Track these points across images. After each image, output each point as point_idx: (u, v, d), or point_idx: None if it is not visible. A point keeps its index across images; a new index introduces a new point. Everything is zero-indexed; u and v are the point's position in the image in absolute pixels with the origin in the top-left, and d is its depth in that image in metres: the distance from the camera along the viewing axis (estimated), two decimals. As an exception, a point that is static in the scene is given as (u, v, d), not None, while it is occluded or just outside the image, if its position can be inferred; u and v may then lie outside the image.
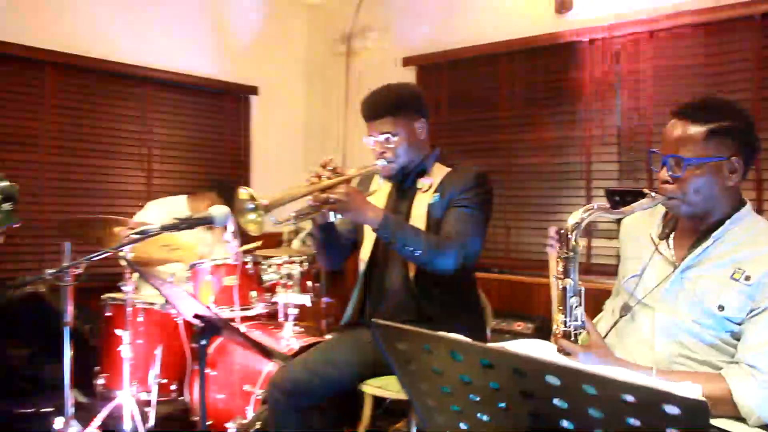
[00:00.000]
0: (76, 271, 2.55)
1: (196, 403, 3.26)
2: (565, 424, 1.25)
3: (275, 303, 3.43)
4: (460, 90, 4.79)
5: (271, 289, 3.44)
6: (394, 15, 5.08)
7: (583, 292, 1.83)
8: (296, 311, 3.36)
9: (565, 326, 1.82)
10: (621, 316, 1.98)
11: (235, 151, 5.38)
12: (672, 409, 1.05)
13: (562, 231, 1.80)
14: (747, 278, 1.73)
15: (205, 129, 5.21)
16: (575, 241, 1.79)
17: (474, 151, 4.68)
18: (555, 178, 4.23)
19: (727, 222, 1.82)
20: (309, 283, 3.49)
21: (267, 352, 2.11)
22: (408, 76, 4.92)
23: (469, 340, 1.27)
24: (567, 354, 1.79)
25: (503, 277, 4.29)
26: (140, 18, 4.74)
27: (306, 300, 3.34)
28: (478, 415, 1.40)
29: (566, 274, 1.82)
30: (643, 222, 2.07)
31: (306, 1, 5.65)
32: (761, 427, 1.69)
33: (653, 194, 1.85)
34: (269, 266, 3.44)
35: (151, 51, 4.78)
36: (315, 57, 5.66)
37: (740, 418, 1.69)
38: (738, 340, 1.75)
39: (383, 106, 2.54)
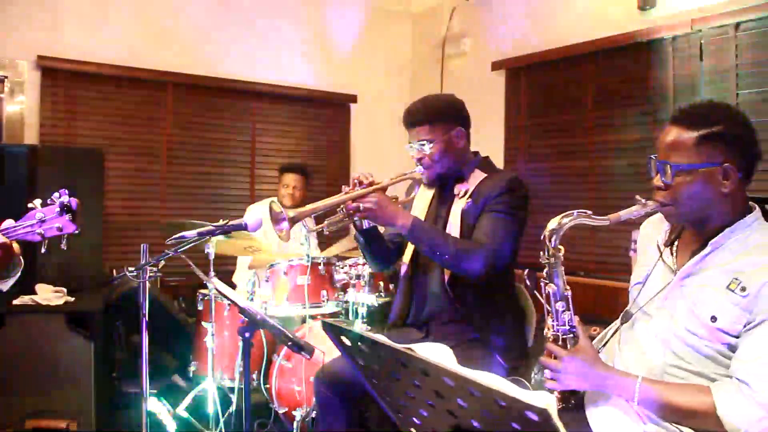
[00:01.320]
0: (153, 269, 2.85)
1: (274, 391, 3.52)
2: (475, 423, 1.34)
3: (346, 302, 3.63)
4: (545, 92, 4.77)
5: (343, 289, 3.64)
6: (485, 20, 5.14)
7: (569, 296, 1.87)
8: (365, 310, 3.55)
9: (554, 330, 1.87)
10: (622, 323, 1.99)
11: (335, 157, 5.67)
12: (532, 415, 1.12)
13: (542, 237, 1.84)
14: (743, 289, 1.66)
15: (306, 137, 5.55)
16: (554, 246, 1.83)
17: (558, 153, 4.66)
18: (640, 180, 4.11)
19: (727, 230, 1.76)
20: (380, 284, 3.65)
21: (298, 346, 2.29)
22: (497, 80, 4.96)
23: (384, 339, 1.38)
24: (555, 358, 1.83)
25: (588, 281, 4.23)
26: (247, 37, 5.19)
27: (373, 300, 3.51)
28: (420, 410, 1.51)
29: (550, 279, 1.87)
30: (655, 229, 2.05)
31: (407, 9, 5.82)
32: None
33: (644, 201, 1.84)
34: (341, 267, 3.65)
35: (257, 67, 5.23)
36: (411, 64, 5.84)
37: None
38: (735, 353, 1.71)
39: (420, 114, 2.64)
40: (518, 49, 4.85)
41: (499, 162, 4.83)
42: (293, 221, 2.36)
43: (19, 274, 2.16)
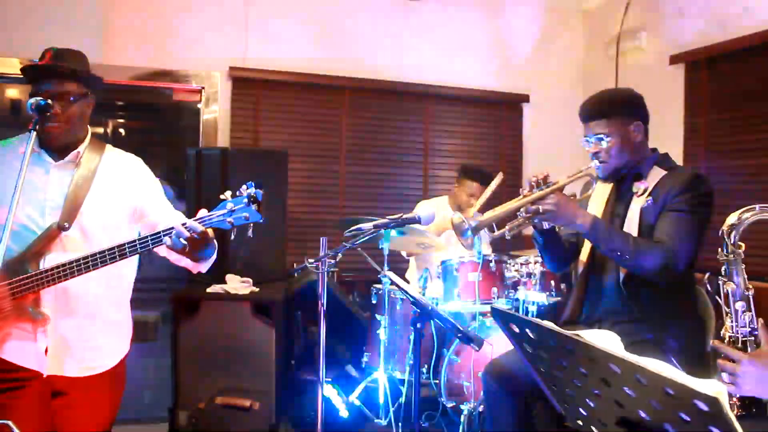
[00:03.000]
0: (332, 261, 3.02)
1: (443, 385, 3.60)
2: (642, 414, 1.32)
3: (517, 300, 3.63)
4: (729, 85, 4.45)
5: (514, 287, 3.64)
6: (663, 13, 4.89)
7: (751, 296, 1.77)
8: (535, 308, 3.53)
9: (732, 332, 1.78)
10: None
11: (508, 157, 5.66)
12: (701, 405, 1.10)
13: (720, 233, 1.76)
14: None
15: (479, 136, 5.60)
16: (734, 243, 1.75)
17: (745, 150, 4.33)
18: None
19: None
20: (552, 283, 3.62)
21: (467, 337, 2.34)
22: (676, 74, 4.72)
23: (551, 325, 1.39)
24: (732, 361, 1.74)
25: (780, 288, 3.91)
26: (421, 41, 5.33)
27: (543, 298, 3.49)
28: (587, 400, 1.51)
29: (729, 277, 1.78)
30: None
31: (580, 7, 5.70)
32: None
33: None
34: (512, 265, 3.65)
35: (430, 69, 5.35)
36: (585, 62, 5.70)
37: None
38: None
39: (597, 108, 2.62)
40: (699, 40, 4.57)
41: (678, 160, 4.60)
42: (477, 230, 2.43)
43: (215, 256, 2.39)
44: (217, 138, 4.92)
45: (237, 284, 3.81)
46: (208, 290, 3.76)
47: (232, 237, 2.19)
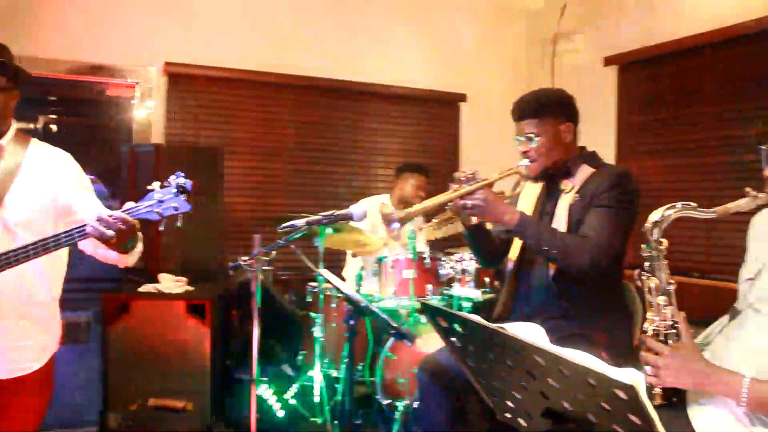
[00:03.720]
0: (266, 258, 3.00)
1: (378, 383, 3.60)
2: (566, 405, 1.35)
3: (451, 296, 3.66)
4: (660, 87, 4.61)
5: (448, 284, 3.68)
6: (598, 15, 5.03)
7: (672, 291, 1.83)
8: (470, 305, 3.57)
9: (655, 325, 1.83)
10: (730, 320, 1.92)
11: (444, 155, 5.71)
12: (620, 393, 1.12)
13: (643, 229, 1.81)
14: None
15: (417, 135, 5.64)
16: (657, 239, 1.80)
17: (674, 150, 4.49)
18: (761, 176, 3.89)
19: None
20: (486, 279, 3.66)
21: (400, 333, 2.35)
22: (610, 75, 4.85)
23: (477, 318, 1.41)
24: (654, 353, 1.79)
25: (704, 282, 4.06)
26: (360, 39, 5.33)
27: (478, 295, 3.54)
28: (514, 393, 1.53)
29: (652, 272, 1.83)
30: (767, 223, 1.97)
31: (518, 7, 5.79)
32: None
33: (754, 193, 1.78)
34: (447, 262, 3.69)
35: (369, 68, 5.35)
36: (521, 61, 5.80)
37: None
38: None
39: (528, 108, 2.65)
40: (632, 43, 4.71)
41: (611, 159, 4.73)
42: (404, 221, 2.44)
43: (140, 248, 2.33)
44: (151, 135, 4.81)
45: (170, 283, 3.75)
46: (140, 290, 3.69)
47: (161, 228, 2.14)
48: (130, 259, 2.35)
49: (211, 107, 4.97)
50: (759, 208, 1.84)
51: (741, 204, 1.79)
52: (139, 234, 2.22)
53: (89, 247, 2.28)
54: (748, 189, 1.79)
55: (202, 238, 3.94)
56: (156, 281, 3.75)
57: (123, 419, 3.43)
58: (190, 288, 3.78)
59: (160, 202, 2.02)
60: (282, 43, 5.08)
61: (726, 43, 4.16)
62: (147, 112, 4.82)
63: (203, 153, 4.44)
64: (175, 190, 2.02)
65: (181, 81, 4.86)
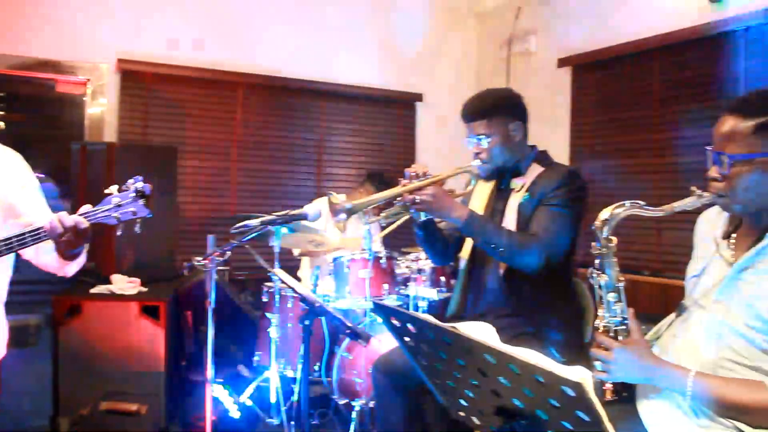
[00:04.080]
0: (219, 259, 2.97)
1: (335, 383, 3.60)
2: (517, 402, 1.37)
3: (407, 296, 3.67)
4: (612, 89, 4.71)
5: (404, 283, 3.69)
6: (552, 18, 5.12)
7: (622, 288, 1.86)
8: (426, 304, 3.59)
9: (605, 321, 1.87)
10: (677, 316, 1.96)
11: (400, 154, 5.74)
12: (568, 390, 1.14)
13: (593, 227, 1.84)
14: None
15: (373, 135, 5.66)
16: (606, 237, 1.83)
17: (625, 150, 4.60)
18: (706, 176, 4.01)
19: (787, 221, 1.74)
20: (442, 279, 3.69)
21: (355, 333, 2.35)
22: (563, 77, 4.93)
23: (429, 317, 1.42)
24: (604, 349, 1.83)
25: (654, 280, 4.17)
26: (315, 37, 5.32)
27: (434, 294, 3.56)
28: (466, 391, 1.54)
29: (602, 270, 1.87)
30: (712, 222, 2.02)
31: (473, 9, 5.84)
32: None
33: (699, 192, 1.82)
34: (403, 261, 3.70)
35: (325, 67, 5.35)
36: (477, 62, 5.86)
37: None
38: None
39: (477, 109, 2.67)
40: (585, 45, 4.81)
41: (564, 159, 4.81)
42: (350, 212, 2.43)
43: (84, 259, 2.28)
44: (103, 133, 4.73)
45: (124, 285, 3.69)
46: (92, 291, 3.63)
47: (119, 233, 2.10)
48: (72, 268, 2.30)
49: (165, 105, 4.92)
50: (704, 207, 1.88)
51: (686, 203, 1.83)
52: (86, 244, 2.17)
53: (30, 252, 2.22)
54: (693, 188, 1.83)
55: (156, 238, 3.88)
56: (108, 282, 3.69)
57: (74, 424, 3.37)
58: (143, 289, 3.73)
59: (118, 206, 1.99)
60: (237, 41, 5.04)
61: (673, 47, 4.28)
62: (100, 110, 4.74)
63: (157, 152, 4.39)
64: (134, 194, 1.99)
65: (135, 78, 4.79)
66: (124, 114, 4.78)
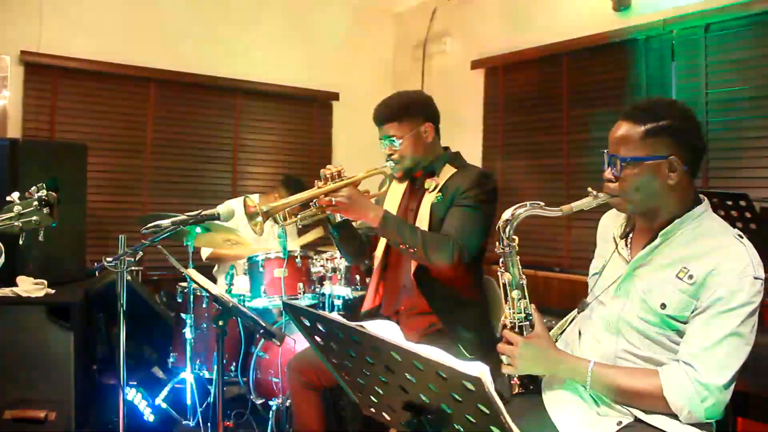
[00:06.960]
0: (131, 259, 2.90)
1: (251, 383, 3.59)
2: (423, 397, 1.41)
3: (323, 295, 3.69)
4: (522, 91, 4.86)
5: (320, 282, 3.71)
6: (466, 20, 5.23)
7: (525, 285, 1.95)
8: (341, 302, 3.62)
9: (510, 318, 1.95)
10: (579, 312, 2.06)
11: (317, 153, 5.75)
12: (468, 385, 1.19)
13: (496, 227, 1.92)
14: (690, 277, 1.75)
15: (289, 133, 5.64)
16: (509, 236, 1.91)
17: (534, 151, 4.76)
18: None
19: (676, 221, 1.84)
20: (357, 277, 3.72)
21: (268, 332, 2.35)
22: (476, 78, 5.04)
23: (337, 316, 1.46)
24: (510, 344, 1.91)
25: (563, 276, 4.32)
26: (232, 34, 5.25)
27: (348, 292, 3.59)
28: (376, 387, 1.58)
29: (506, 268, 1.95)
30: (612, 222, 2.13)
31: (390, 9, 5.91)
32: (694, 424, 1.74)
33: (595, 193, 1.91)
34: (318, 260, 3.72)
35: (240, 64, 5.30)
36: (393, 62, 5.94)
37: (675, 415, 1.74)
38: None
39: (388, 111, 2.72)
40: (497, 48, 4.94)
41: (477, 159, 4.93)
42: (267, 215, 2.44)
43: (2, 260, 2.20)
44: (7, 128, 4.54)
45: (30, 287, 3.55)
46: (-5, 294, 3.48)
47: (21, 242, 2.03)
48: None
49: (72, 100, 4.76)
50: (603, 207, 1.98)
51: (583, 203, 1.91)
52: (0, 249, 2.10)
53: None
54: (590, 189, 1.92)
55: (63, 239, 3.75)
56: (14, 284, 3.54)
57: (-23, 434, 3.23)
58: (51, 291, 3.60)
59: (20, 215, 1.92)
60: (146, 36, 4.92)
61: (581, 51, 4.46)
62: (2, 103, 4.54)
63: (64, 149, 4.24)
64: (37, 203, 1.92)
65: (39, 72, 4.62)
66: (28, 109, 4.61)
